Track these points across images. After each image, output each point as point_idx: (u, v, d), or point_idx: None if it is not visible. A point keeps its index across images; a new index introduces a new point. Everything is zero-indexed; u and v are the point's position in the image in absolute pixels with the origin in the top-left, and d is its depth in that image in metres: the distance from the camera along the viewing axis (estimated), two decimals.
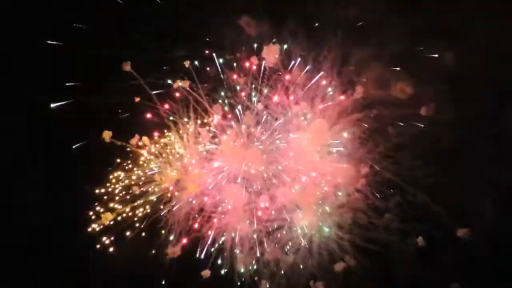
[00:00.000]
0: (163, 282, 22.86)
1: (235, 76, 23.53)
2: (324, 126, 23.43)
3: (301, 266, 23.22)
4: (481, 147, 21.78)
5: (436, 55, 21.97)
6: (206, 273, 22.95)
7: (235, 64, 23.43)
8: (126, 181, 23.34)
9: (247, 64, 23.25)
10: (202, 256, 23.22)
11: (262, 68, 23.24)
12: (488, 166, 21.84)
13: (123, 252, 22.84)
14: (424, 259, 22.36)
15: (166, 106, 23.27)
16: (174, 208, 23.34)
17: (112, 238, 22.97)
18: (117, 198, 23.17)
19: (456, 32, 21.54)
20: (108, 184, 23.16)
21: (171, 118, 23.45)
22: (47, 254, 22.59)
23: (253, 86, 23.67)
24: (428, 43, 21.89)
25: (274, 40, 22.54)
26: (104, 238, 22.86)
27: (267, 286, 23.20)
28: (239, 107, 23.97)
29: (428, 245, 22.56)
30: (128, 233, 23.05)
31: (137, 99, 22.95)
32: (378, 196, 23.12)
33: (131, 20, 21.91)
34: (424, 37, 21.82)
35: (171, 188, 23.54)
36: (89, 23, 21.87)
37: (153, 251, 22.99)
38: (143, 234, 23.20)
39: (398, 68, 22.22)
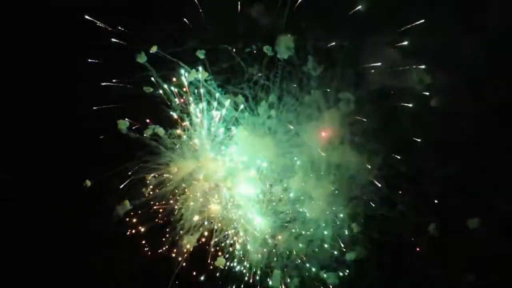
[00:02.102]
0: (179, 272, 23.35)
1: (248, 67, 23.50)
2: (337, 116, 23.33)
3: (313, 257, 23.53)
4: (493, 138, 21.70)
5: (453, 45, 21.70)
6: (220, 262, 23.38)
7: (248, 55, 23.38)
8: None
9: (261, 55, 23.19)
10: (216, 246, 23.61)
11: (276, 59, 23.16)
12: (500, 157, 21.76)
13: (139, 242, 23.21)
14: (437, 251, 22.52)
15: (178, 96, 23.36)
16: (189, 199, 23.60)
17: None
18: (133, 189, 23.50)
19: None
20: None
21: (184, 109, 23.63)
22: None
23: (267, 77, 23.64)
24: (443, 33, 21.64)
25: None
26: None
27: (279, 277, 23.57)
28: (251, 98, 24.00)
29: (441, 236, 22.63)
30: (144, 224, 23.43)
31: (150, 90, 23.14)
32: (391, 188, 23.13)
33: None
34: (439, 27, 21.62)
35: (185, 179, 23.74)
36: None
37: (169, 242, 23.38)
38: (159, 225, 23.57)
39: (413, 58, 21.98)
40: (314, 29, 22.42)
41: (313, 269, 23.60)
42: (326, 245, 23.51)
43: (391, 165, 22.93)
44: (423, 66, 21.93)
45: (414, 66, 22.02)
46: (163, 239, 23.42)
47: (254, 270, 23.53)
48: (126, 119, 23.03)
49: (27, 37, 22.61)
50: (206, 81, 23.19)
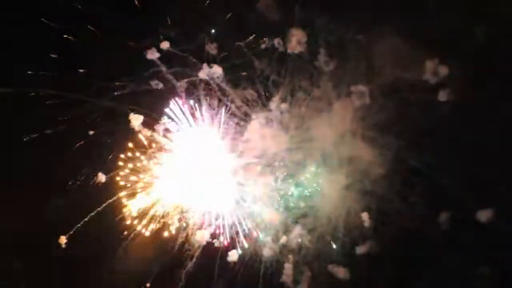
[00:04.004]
0: (190, 266, 23.58)
1: (259, 62, 23.23)
2: (348, 109, 23.08)
3: (325, 252, 23.58)
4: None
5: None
6: (233, 256, 23.49)
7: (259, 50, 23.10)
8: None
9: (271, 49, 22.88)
10: (228, 241, 23.78)
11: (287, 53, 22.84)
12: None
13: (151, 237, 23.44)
14: (449, 244, 22.45)
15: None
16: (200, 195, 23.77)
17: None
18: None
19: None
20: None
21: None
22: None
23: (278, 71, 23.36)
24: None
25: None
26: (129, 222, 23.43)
27: (291, 271, 23.67)
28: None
29: (454, 230, 22.51)
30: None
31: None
32: (404, 182, 22.92)
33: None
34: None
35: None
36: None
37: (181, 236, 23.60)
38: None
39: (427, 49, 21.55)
40: (325, 21, 22.08)
41: (325, 264, 23.63)
42: (337, 240, 23.50)
43: (404, 159, 22.71)
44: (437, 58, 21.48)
45: (427, 58, 21.58)
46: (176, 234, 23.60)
47: (265, 265, 23.66)
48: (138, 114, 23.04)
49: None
50: (217, 77, 23.09)
